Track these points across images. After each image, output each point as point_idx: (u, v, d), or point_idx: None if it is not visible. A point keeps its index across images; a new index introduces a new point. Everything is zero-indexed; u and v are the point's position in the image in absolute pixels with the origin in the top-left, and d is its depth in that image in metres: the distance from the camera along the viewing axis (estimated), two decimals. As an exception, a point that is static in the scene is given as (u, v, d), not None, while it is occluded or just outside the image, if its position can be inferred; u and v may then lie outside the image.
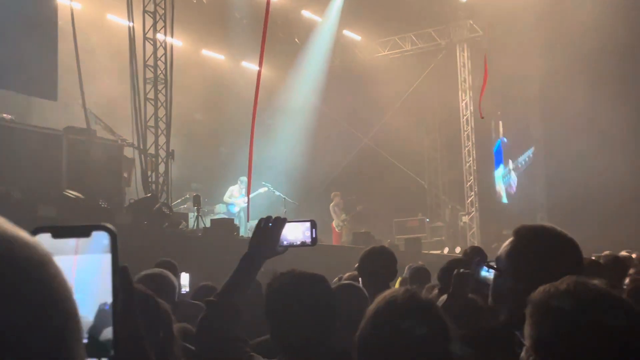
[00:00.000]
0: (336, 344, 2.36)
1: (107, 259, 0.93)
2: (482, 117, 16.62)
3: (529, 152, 24.36)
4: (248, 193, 11.37)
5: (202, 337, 2.46)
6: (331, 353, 2.35)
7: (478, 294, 3.34)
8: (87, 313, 0.92)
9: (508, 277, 2.23)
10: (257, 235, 2.58)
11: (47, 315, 0.73)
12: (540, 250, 2.20)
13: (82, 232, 0.92)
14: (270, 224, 2.58)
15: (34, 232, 0.89)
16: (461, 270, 3.51)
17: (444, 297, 3.58)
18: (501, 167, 23.38)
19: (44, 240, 0.90)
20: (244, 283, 2.51)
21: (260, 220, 2.61)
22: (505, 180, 23.49)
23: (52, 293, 0.74)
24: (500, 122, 23.37)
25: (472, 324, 2.82)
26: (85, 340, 0.90)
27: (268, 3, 10.67)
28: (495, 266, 2.30)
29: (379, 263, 4.46)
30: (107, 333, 0.93)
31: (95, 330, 0.93)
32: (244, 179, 14.86)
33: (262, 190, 15.62)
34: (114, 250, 0.93)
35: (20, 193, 8.55)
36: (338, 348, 2.35)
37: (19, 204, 8.26)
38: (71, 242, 0.92)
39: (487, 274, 2.45)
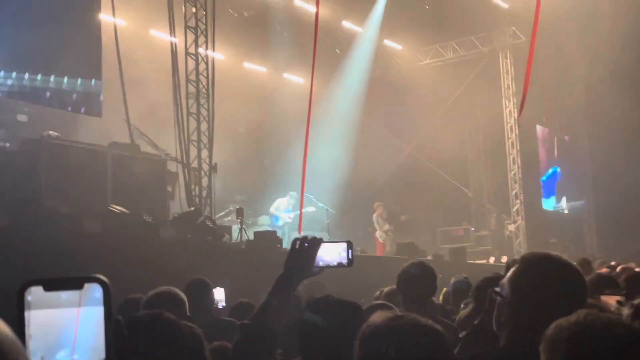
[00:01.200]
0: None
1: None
2: (520, 124, 16.28)
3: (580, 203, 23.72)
4: (301, 207, 11.53)
5: (238, 361, 2.44)
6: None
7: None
8: None
9: (508, 304, 2.19)
10: (292, 256, 2.53)
11: None
12: (540, 280, 2.16)
13: (74, 284, 0.89)
14: (305, 244, 2.55)
15: (24, 285, 0.86)
16: (497, 289, 3.44)
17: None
18: (553, 198, 23.02)
19: (37, 294, 0.87)
20: (279, 304, 2.49)
21: (295, 241, 2.56)
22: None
23: None
24: (556, 144, 23.09)
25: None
26: None
27: (317, 19, 10.79)
28: (499, 292, 2.25)
29: (417, 279, 4.40)
30: None
31: None
32: (294, 194, 14.81)
33: (310, 209, 15.48)
34: (107, 302, 0.89)
35: (66, 208, 8.69)
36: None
37: (65, 219, 8.40)
38: (74, 294, 0.88)
39: None
